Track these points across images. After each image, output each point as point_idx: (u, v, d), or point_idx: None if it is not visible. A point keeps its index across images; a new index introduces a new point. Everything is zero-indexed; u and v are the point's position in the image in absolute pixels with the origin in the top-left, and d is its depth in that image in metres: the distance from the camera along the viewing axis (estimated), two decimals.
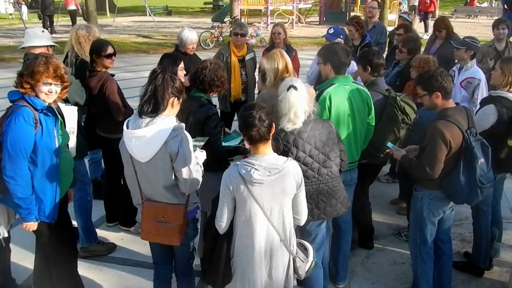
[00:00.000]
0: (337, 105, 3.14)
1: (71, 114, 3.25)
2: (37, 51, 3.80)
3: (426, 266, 3.23)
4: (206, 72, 3.19)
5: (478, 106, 3.70)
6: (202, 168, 2.69)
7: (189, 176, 2.55)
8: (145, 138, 2.45)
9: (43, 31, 4.14)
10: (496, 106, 3.32)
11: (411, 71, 4.11)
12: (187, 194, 2.65)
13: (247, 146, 3.20)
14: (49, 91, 2.67)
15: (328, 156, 2.81)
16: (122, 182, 3.84)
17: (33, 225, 2.77)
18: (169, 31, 18.09)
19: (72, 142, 3.21)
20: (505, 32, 5.49)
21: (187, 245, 2.81)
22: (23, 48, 4.07)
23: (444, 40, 5.48)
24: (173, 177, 2.57)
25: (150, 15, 21.66)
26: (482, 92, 4.22)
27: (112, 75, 3.87)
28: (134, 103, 3.73)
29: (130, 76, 8.75)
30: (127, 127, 2.53)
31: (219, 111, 5.56)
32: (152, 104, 2.49)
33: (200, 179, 2.64)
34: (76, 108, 3.36)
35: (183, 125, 2.59)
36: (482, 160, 2.89)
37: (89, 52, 3.87)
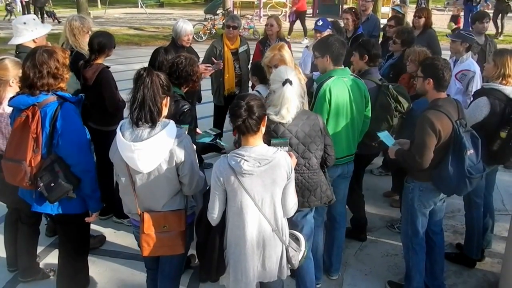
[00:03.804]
0: (336, 97, 3.13)
1: None
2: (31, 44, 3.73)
3: (418, 258, 3.25)
4: (182, 67, 3.10)
5: (472, 99, 3.72)
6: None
7: (195, 178, 2.54)
8: (149, 149, 2.35)
9: (34, 18, 3.84)
10: (489, 98, 3.33)
11: (407, 64, 4.11)
12: (185, 198, 2.62)
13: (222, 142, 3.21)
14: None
15: (308, 148, 2.79)
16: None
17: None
18: (161, 23, 17.94)
19: None
20: (488, 26, 5.50)
21: (177, 256, 2.72)
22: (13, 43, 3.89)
23: (420, 31, 5.49)
24: (179, 184, 2.53)
25: (142, 7, 21.44)
26: (477, 84, 4.24)
27: (108, 67, 3.83)
28: (126, 96, 3.69)
29: (121, 68, 8.67)
30: (123, 137, 2.39)
31: (213, 105, 5.56)
32: (148, 113, 2.34)
33: (203, 179, 2.62)
34: None
35: (184, 129, 2.55)
36: (471, 151, 2.90)
37: (100, 45, 3.75)
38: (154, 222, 2.53)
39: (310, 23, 17.00)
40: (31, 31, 3.72)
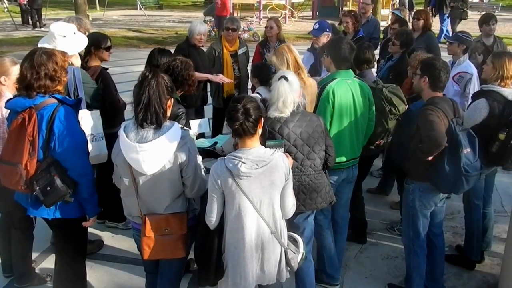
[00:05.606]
0: (340, 99, 3.13)
1: (96, 118, 3.27)
2: None
3: (419, 260, 3.25)
4: (178, 71, 3.09)
5: (469, 100, 3.72)
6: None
7: (198, 180, 2.52)
8: (154, 151, 2.35)
9: (75, 32, 3.46)
10: (488, 100, 3.34)
11: (408, 69, 4.11)
12: (187, 201, 2.61)
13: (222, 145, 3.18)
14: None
15: (312, 148, 2.80)
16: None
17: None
18: (160, 25, 17.93)
19: (103, 148, 3.21)
20: (495, 28, 5.50)
21: (177, 260, 2.69)
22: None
23: (419, 33, 5.47)
24: (181, 186, 2.52)
25: (141, 9, 21.42)
26: (474, 86, 4.25)
27: (106, 69, 3.82)
28: (126, 98, 3.65)
29: (121, 70, 8.67)
30: (127, 137, 2.37)
31: (211, 107, 5.55)
32: (153, 114, 2.34)
33: (206, 182, 2.61)
34: (98, 111, 3.35)
35: (188, 131, 2.55)
36: (468, 149, 2.91)
37: (90, 44, 3.70)
38: (156, 224, 2.51)
39: (310, 26, 17.00)
40: (65, 45, 3.35)
